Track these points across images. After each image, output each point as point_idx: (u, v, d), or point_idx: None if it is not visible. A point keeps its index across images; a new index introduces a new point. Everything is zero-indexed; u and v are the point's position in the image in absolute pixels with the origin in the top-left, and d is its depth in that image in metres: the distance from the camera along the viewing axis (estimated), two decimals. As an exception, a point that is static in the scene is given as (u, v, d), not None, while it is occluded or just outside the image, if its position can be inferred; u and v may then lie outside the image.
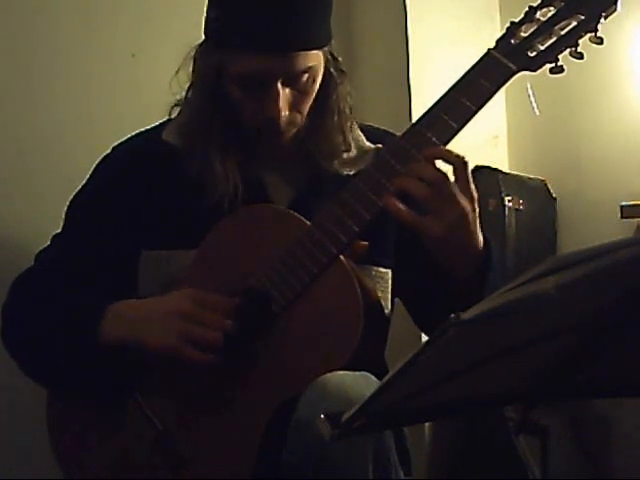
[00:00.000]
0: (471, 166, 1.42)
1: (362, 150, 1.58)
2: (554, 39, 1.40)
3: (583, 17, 1.39)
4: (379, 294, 1.51)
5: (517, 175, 2.34)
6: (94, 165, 1.63)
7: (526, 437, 1.39)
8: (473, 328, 0.89)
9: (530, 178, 2.34)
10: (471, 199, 1.40)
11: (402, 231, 1.56)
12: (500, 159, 2.40)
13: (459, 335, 0.88)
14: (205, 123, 1.51)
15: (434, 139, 1.40)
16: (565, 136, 2.35)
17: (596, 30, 1.39)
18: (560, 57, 1.41)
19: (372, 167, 1.44)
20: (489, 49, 1.43)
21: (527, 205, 2.27)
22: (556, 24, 1.40)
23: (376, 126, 1.68)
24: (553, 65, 1.41)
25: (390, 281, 1.58)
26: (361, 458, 1.29)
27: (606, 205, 2.20)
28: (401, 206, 1.39)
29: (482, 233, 1.44)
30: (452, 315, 0.87)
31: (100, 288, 1.53)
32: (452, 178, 1.41)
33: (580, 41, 1.40)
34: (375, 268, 1.56)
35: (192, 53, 1.53)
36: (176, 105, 1.59)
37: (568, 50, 1.40)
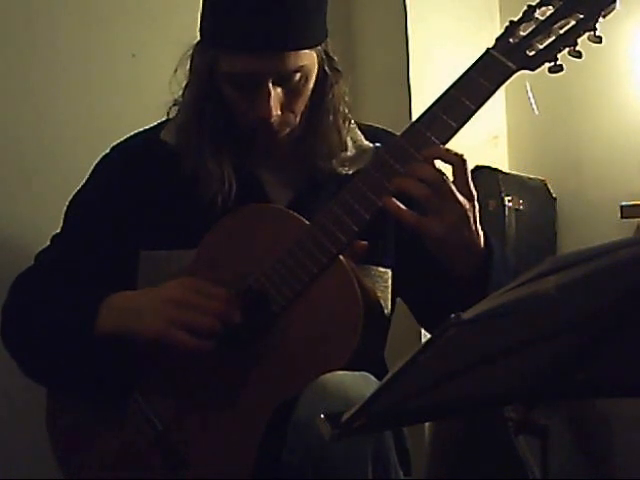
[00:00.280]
0: (471, 166, 1.42)
1: (361, 149, 1.58)
2: (553, 38, 1.40)
3: (582, 16, 1.39)
4: (379, 294, 1.51)
5: (517, 175, 2.34)
6: (93, 165, 1.63)
7: (526, 437, 1.39)
8: (473, 328, 0.89)
9: (530, 178, 2.34)
10: (471, 198, 1.40)
11: (402, 231, 1.56)
12: (500, 159, 2.40)
13: (459, 335, 0.88)
14: (199, 122, 1.52)
15: (433, 138, 1.40)
16: (565, 136, 2.35)
17: (595, 29, 1.39)
18: (559, 56, 1.41)
19: (371, 167, 1.44)
20: (488, 48, 1.43)
21: (527, 205, 2.27)
22: (555, 23, 1.40)
23: (375, 125, 1.68)
24: (552, 64, 1.41)
25: (390, 281, 1.58)
26: (361, 458, 1.29)
27: (606, 205, 2.20)
28: (401, 206, 1.39)
29: (483, 231, 1.44)
30: (452, 315, 0.87)
31: (99, 288, 1.53)
32: (451, 177, 1.41)
33: (579, 40, 1.40)
34: (375, 268, 1.56)
35: (189, 52, 1.53)
36: (174, 105, 1.59)
37: (567, 49, 1.40)
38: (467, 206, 1.39)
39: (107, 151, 1.64)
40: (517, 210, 2.25)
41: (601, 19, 1.39)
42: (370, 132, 1.62)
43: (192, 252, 1.51)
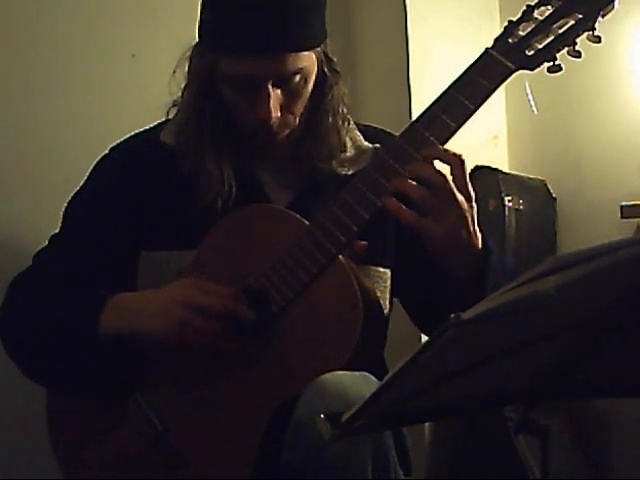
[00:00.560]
0: (471, 166, 1.42)
1: (360, 150, 1.58)
2: (552, 38, 1.40)
3: (581, 16, 1.39)
4: (378, 294, 1.51)
5: (517, 175, 2.34)
6: (92, 166, 1.63)
7: (526, 437, 1.39)
8: (473, 328, 0.89)
9: (530, 178, 2.34)
10: (469, 199, 1.40)
11: (401, 231, 1.56)
12: (500, 159, 2.40)
13: (459, 335, 0.88)
14: (199, 123, 1.52)
15: (432, 138, 1.40)
16: (565, 136, 2.34)
17: (594, 29, 1.39)
18: (558, 56, 1.41)
19: (371, 167, 1.44)
20: (487, 48, 1.43)
21: (527, 205, 2.27)
22: (554, 23, 1.40)
23: (374, 126, 1.68)
24: (551, 64, 1.41)
25: (389, 281, 1.58)
26: (360, 458, 1.29)
27: (606, 205, 2.20)
28: (402, 206, 1.39)
29: (481, 233, 1.44)
30: (452, 315, 0.87)
31: (100, 288, 1.53)
32: (450, 178, 1.41)
33: (578, 40, 1.40)
34: (374, 268, 1.56)
35: (188, 53, 1.53)
36: (174, 105, 1.59)
37: (566, 49, 1.40)
38: (466, 207, 1.39)
39: (106, 151, 1.63)
40: (517, 210, 2.25)
41: (600, 19, 1.39)
42: (369, 132, 1.62)
43: (192, 253, 1.51)
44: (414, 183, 1.38)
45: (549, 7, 1.41)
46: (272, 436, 1.40)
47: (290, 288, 1.43)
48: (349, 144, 1.58)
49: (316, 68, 1.50)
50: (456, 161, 1.39)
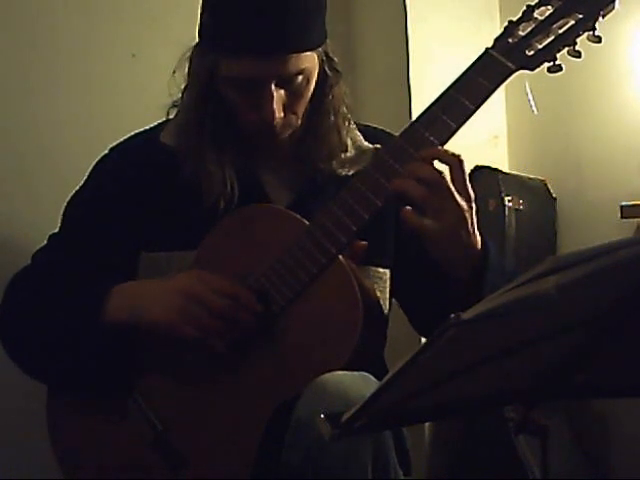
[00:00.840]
0: (471, 166, 1.42)
1: (360, 150, 1.58)
2: (552, 38, 1.40)
3: (581, 16, 1.39)
4: (378, 294, 1.51)
5: (517, 175, 2.34)
6: (92, 166, 1.63)
7: (526, 437, 1.39)
8: (473, 328, 0.89)
9: (530, 178, 2.34)
10: (468, 199, 1.40)
11: (401, 231, 1.56)
12: (500, 159, 2.39)
13: (459, 335, 0.88)
14: (200, 124, 1.51)
15: (432, 138, 1.40)
16: (565, 136, 2.34)
17: (594, 29, 1.39)
18: (558, 56, 1.41)
19: (371, 167, 1.44)
20: (487, 48, 1.43)
21: (527, 205, 2.27)
22: (554, 23, 1.40)
23: (374, 126, 1.67)
24: (551, 64, 1.41)
25: (389, 281, 1.58)
26: (360, 458, 1.29)
27: (606, 205, 2.20)
28: (408, 208, 1.39)
29: (480, 233, 1.44)
30: (452, 315, 0.87)
31: (100, 284, 1.53)
32: (449, 178, 1.40)
33: (578, 40, 1.40)
34: (374, 268, 1.56)
35: (188, 54, 1.53)
36: (173, 106, 1.59)
37: (566, 49, 1.40)
38: (465, 207, 1.39)
39: (106, 152, 1.63)
40: (517, 210, 2.25)
41: (600, 19, 1.39)
42: (369, 133, 1.62)
43: (193, 253, 1.51)
44: (413, 182, 1.38)
45: (549, 7, 1.41)
46: (272, 436, 1.40)
47: (290, 288, 1.43)
48: (349, 144, 1.58)
49: (317, 68, 1.50)
50: (455, 161, 1.39)
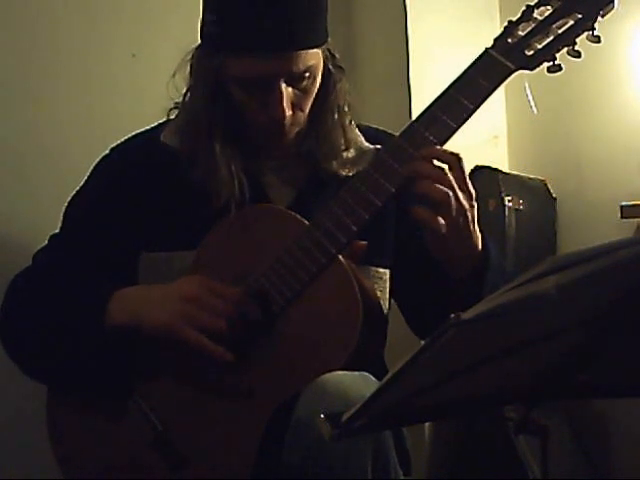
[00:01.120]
0: (471, 166, 1.42)
1: (361, 151, 1.58)
2: (551, 38, 1.41)
3: (580, 16, 1.39)
4: (378, 294, 1.51)
5: (517, 175, 2.34)
6: (92, 166, 1.63)
7: (526, 437, 1.39)
8: (473, 328, 0.89)
9: (530, 178, 2.34)
10: (470, 197, 1.40)
11: (400, 231, 1.56)
12: (500, 159, 2.40)
13: (459, 335, 0.88)
14: (206, 126, 1.51)
15: (432, 138, 1.40)
16: (565, 136, 2.34)
17: (594, 29, 1.39)
18: (558, 56, 1.41)
19: (371, 167, 1.44)
20: (487, 48, 1.43)
21: (527, 205, 2.27)
22: (553, 23, 1.41)
23: (374, 126, 1.67)
24: (551, 64, 1.41)
25: (388, 281, 1.58)
26: (360, 458, 1.29)
27: (606, 205, 2.20)
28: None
29: (481, 233, 1.44)
30: (452, 315, 0.87)
31: (101, 284, 1.53)
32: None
33: (578, 40, 1.40)
34: (374, 268, 1.56)
35: (188, 57, 1.52)
36: (174, 108, 1.59)
37: (566, 49, 1.40)
38: (467, 206, 1.39)
39: (107, 152, 1.63)
40: (517, 210, 2.25)
41: (600, 19, 1.39)
42: (370, 133, 1.62)
43: (193, 254, 1.51)
44: (419, 179, 1.38)
45: (549, 7, 1.41)
46: (272, 436, 1.40)
47: (290, 288, 1.43)
48: (351, 142, 1.58)
49: (322, 65, 1.50)
50: (454, 160, 1.39)
